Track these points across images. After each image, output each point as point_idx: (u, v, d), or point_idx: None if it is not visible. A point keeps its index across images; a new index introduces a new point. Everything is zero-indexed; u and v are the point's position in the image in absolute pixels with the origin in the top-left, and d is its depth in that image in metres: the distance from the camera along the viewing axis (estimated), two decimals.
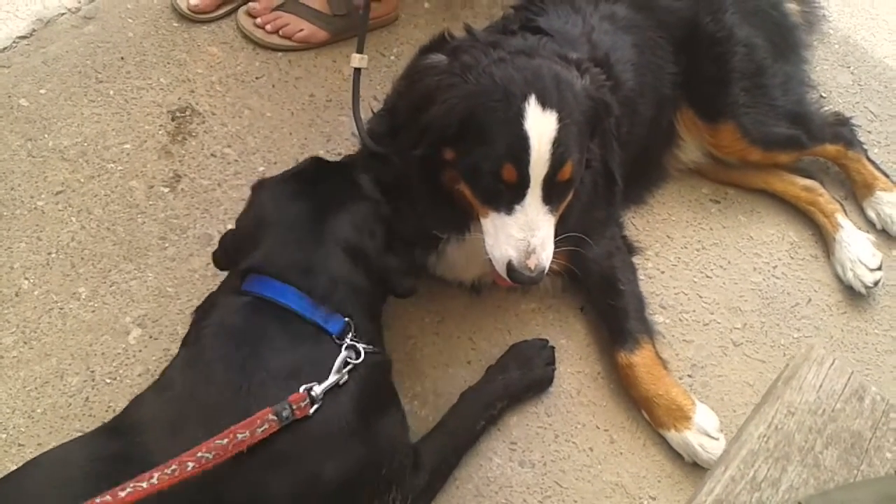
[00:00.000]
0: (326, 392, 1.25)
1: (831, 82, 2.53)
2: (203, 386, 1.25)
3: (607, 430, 1.80)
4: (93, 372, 1.70)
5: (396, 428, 1.45)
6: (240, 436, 1.13)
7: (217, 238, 1.90)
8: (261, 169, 2.05)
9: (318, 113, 2.18)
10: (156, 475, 1.06)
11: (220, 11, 2.31)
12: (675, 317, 1.99)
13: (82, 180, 1.95)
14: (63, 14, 2.24)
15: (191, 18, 2.28)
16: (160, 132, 2.07)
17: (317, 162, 1.63)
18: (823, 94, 2.46)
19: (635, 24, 1.95)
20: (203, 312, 1.43)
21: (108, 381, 1.70)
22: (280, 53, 2.28)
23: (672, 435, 1.75)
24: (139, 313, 1.79)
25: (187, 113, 2.11)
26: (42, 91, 2.08)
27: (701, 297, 2.03)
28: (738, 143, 2.10)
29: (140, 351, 1.74)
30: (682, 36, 2.02)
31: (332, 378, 1.26)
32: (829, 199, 2.20)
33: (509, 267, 1.45)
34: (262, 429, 1.15)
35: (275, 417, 1.16)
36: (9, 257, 1.82)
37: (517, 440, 1.75)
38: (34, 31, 2.20)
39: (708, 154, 2.18)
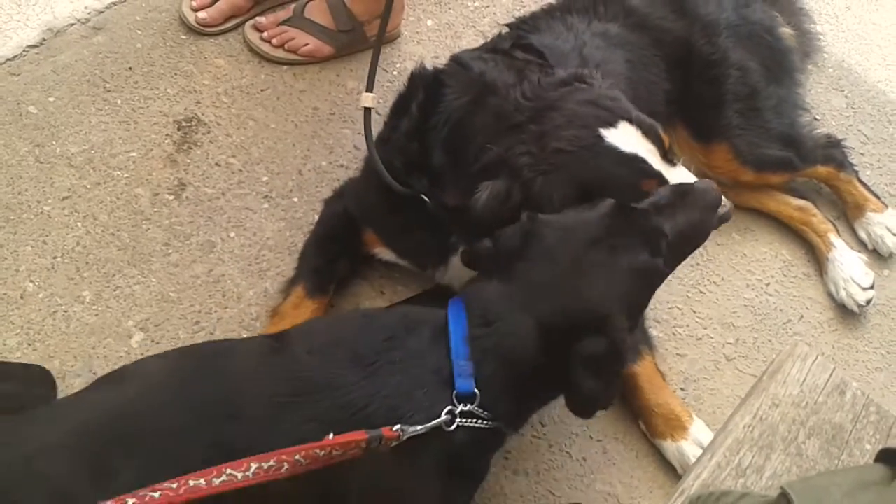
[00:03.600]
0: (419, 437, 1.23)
1: (825, 105, 2.58)
2: (351, 340, 1.33)
3: (601, 441, 1.82)
4: (95, 374, 1.72)
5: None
6: (335, 452, 1.13)
7: (220, 245, 1.95)
8: (264, 179, 2.08)
9: (322, 125, 2.23)
10: (252, 467, 1.05)
11: (228, 25, 2.35)
12: (669, 331, 2.02)
13: (89, 186, 1.99)
14: (73, 24, 2.28)
15: (198, 31, 2.32)
16: (166, 141, 2.10)
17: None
18: (817, 117, 2.51)
19: (629, 42, 2.00)
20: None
21: None
22: (285, 67, 2.32)
23: (668, 444, 1.78)
24: (142, 317, 1.82)
25: (193, 123, 2.15)
26: (51, 99, 2.12)
27: (695, 312, 2.06)
28: (731, 163, 2.15)
29: (142, 354, 1.76)
30: (677, 55, 2.07)
31: (420, 428, 1.22)
32: (821, 219, 2.24)
33: None
34: (352, 451, 1.15)
35: (365, 445, 1.16)
36: (15, 260, 1.85)
37: (511, 449, 1.77)
38: (44, 40, 2.23)
39: (701, 173, 2.22)
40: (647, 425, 1.82)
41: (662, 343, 1.98)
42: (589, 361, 1.26)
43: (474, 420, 1.27)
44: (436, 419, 1.23)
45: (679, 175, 1.54)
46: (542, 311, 1.29)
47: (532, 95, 1.53)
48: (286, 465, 1.07)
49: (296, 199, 2.07)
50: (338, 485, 1.22)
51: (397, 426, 1.19)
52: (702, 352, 2.01)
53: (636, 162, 1.47)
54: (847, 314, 2.14)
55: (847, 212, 2.33)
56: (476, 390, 1.26)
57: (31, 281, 1.83)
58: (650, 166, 1.48)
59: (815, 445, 1.07)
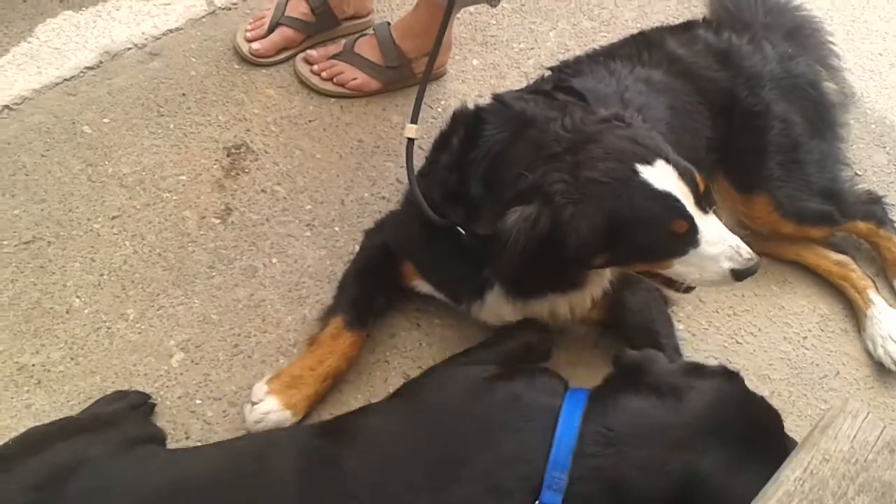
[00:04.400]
0: None
1: (867, 161, 2.58)
2: (422, 447, 1.23)
3: None
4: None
5: None
6: None
7: (262, 270, 1.98)
8: (308, 207, 2.12)
9: (366, 158, 2.26)
10: None
11: (279, 57, 2.41)
12: None
13: (138, 207, 2.03)
14: (130, 49, 2.35)
15: (251, 62, 2.38)
16: (215, 166, 2.15)
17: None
18: (859, 173, 2.51)
19: (672, 89, 2.01)
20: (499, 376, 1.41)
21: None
22: (333, 99, 2.37)
23: None
24: (183, 338, 1.84)
25: (242, 150, 2.20)
26: (105, 120, 2.18)
27: (731, 362, 2.05)
28: (771, 215, 2.15)
29: (181, 374, 1.79)
30: (721, 104, 2.08)
31: None
32: (860, 274, 2.23)
33: (735, 275, 1.55)
34: None
35: None
36: (62, 275, 1.89)
37: None
38: (101, 62, 2.30)
39: (741, 223, 2.22)
40: None
41: None
42: None
43: None
44: None
45: (710, 223, 1.54)
46: (699, 463, 1.20)
47: (571, 128, 1.56)
48: None
49: (337, 229, 2.10)
50: None
51: None
52: None
53: (669, 200, 1.48)
54: (884, 372, 2.12)
55: (886, 269, 2.31)
56: None
57: (78, 296, 1.87)
58: (683, 207, 1.49)
59: (865, 502, 1.07)
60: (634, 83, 1.96)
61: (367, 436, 1.27)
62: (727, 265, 1.54)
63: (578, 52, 2.67)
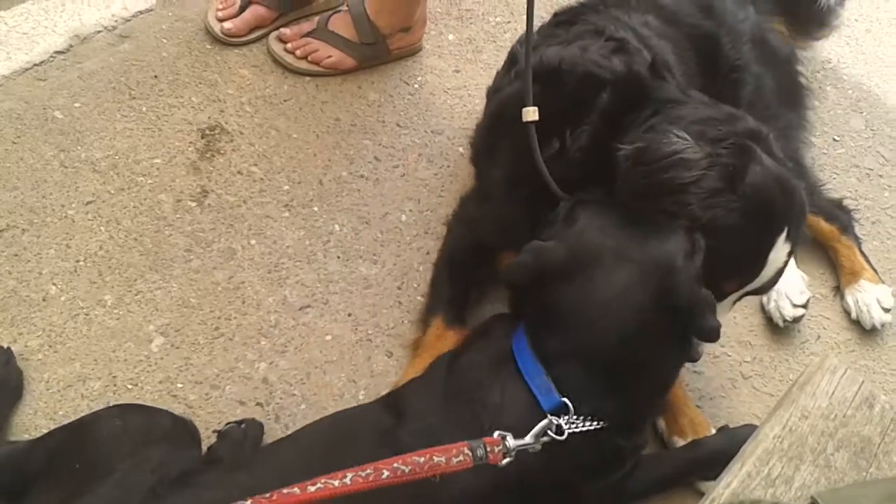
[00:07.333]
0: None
1: (844, 126, 2.58)
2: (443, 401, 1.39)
3: None
4: (115, 377, 1.74)
5: None
6: (436, 458, 1.12)
7: (241, 252, 1.96)
8: (285, 188, 2.10)
9: (343, 136, 2.24)
10: (349, 475, 1.06)
11: (252, 36, 2.38)
12: None
13: (112, 192, 2.01)
14: (99, 32, 2.31)
15: (223, 41, 2.35)
16: (189, 149, 2.13)
17: None
18: (836, 137, 2.52)
19: (667, 35, 1.94)
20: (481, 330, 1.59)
21: (129, 386, 1.73)
22: (308, 78, 2.35)
23: None
24: (162, 322, 1.83)
25: (216, 131, 2.17)
26: (76, 105, 2.15)
27: None
28: None
29: (162, 359, 1.78)
30: (706, 51, 2.03)
31: (527, 440, 1.23)
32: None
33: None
34: (456, 459, 1.15)
35: (469, 453, 1.16)
36: (38, 263, 1.87)
37: None
38: (71, 46, 2.27)
39: None
40: (670, 424, 1.80)
41: None
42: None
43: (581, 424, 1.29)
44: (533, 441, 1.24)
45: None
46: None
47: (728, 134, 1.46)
48: (386, 473, 1.08)
49: (316, 209, 2.09)
50: None
51: (497, 432, 1.20)
52: (718, 370, 2.00)
53: (755, 271, 1.44)
54: (864, 335, 2.14)
55: (841, 277, 2.22)
56: (564, 399, 1.28)
57: (54, 284, 1.84)
58: (747, 286, 1.47)
59: (844, 458, 1.08)
60: (640, 27, 1.88)
61: (410, 410, 1.41)
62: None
63: None
